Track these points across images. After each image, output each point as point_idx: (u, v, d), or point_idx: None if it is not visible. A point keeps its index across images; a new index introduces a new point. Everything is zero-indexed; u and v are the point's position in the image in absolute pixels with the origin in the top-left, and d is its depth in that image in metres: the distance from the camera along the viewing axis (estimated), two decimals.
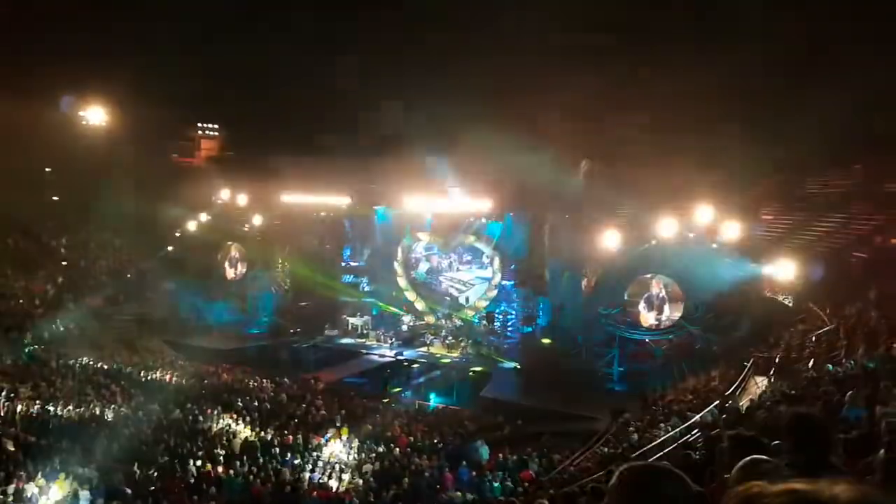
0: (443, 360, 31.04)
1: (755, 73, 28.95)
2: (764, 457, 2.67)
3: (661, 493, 1.55)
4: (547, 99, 31.77)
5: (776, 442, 3.54)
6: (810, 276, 22.28)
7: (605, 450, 16.52)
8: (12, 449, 15.03)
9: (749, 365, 19.21)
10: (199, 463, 15.72)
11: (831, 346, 16.65)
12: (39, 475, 13.44)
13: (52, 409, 18.56)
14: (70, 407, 19.07)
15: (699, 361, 25.19)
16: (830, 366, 13.64)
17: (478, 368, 29.97)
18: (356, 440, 18.76)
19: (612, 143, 30.56)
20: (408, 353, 31.70)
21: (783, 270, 22.76)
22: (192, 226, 37.91)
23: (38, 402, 19.00)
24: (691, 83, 25.98)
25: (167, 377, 24.47)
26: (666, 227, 25.65)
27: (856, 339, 15.77)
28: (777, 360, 18.30)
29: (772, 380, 16.79)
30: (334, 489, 14.73)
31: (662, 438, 14.05)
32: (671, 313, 26.28)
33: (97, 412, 18.89)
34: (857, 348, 14.77)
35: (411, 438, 19.48)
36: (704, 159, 26.61)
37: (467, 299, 35.02)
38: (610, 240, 26.64)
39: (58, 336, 28.45)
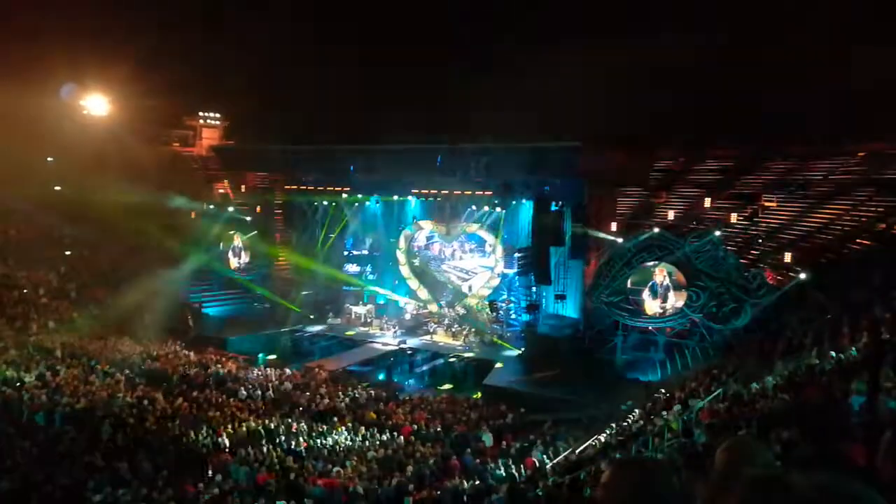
0: (446, 349, 31.10)
1: None
2: (748, 438, 2.67)
3: (654, 489, 1.55)
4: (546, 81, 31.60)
5: (775, 429, 3.55)
6: (812, 261, 22.29)
7: (608, 437, 16.58)
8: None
9: (751, 353, 19.23)
10: (204, 451, 15.84)
11: (835, 333, 16.65)
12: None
13: (57, 397, 18.65)
14: (75, 396, 19.16)
15: (701, 349, 25.29)
16: (833, 353, 13.65)
17: (480, 356, 30.01)
18: (360, 428, 18.87)
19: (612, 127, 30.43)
20: (411, 342, 31.76)
21: (786, 257, 22.77)
22: (194, 215, 37.90)
23: (43, 391, 19.10)
24: None
25: (171, 366, 24.56)
26: (669, 214, 25.66)
27: (859, 325, 15.77)
28: (780, 347, 18.31)
29: (775, 367, 16.81)
30: (338, 477, 14.81)
31: (664, 426, 14.07)
32: (675, 301, 26.27)
33: (101, 401, 18.96)
34: (860, 335, 14.77)
35: (415, 426, 19.57)
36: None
37: (470, 288, 35.06)
38: (613, 227, 26.64)
39: (62, 325, 28.57)
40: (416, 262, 36.46)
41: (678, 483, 1.57)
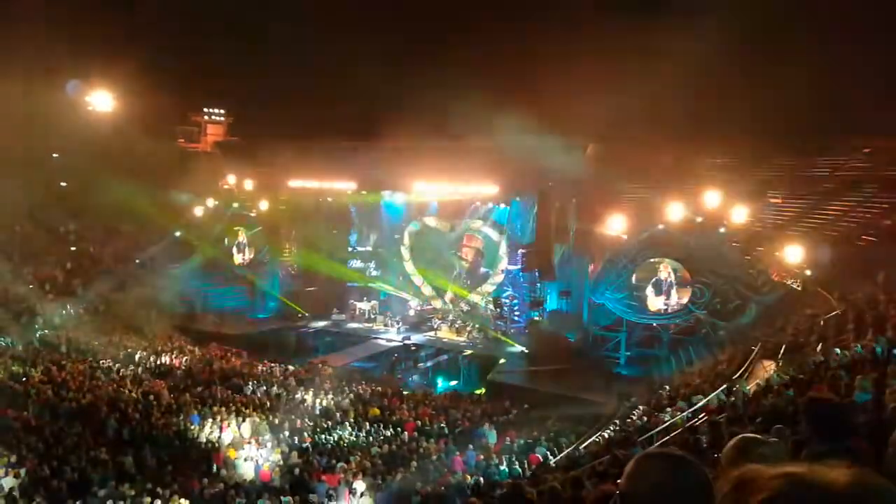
0: (450, 345, 31.11)
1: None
2: (757, 435, 2.64)
3: (678, 482, 1.54)
4: (551, 80, 31.52)
5: (779, 426, 3.52)
6: (818, 258, 22.17)
7: (612, 433, 16.57)
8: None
9: (757, 349, 19.18)
10: (209, 446, 15.89)
11: (839, 330, 16.60)
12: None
13: (63, 392, 18.73)
14: (81, 391, 19.24)
15: (706, 345, 25.23)
16: (838, 350, 13.59)
17: (484, 353, 30.02)
18: (364, 424, 18.90)
19: (616, 125, 30.25)
20: (415, 338, 31.78)
21: (791, 254, 22.63)
22: (198, 211, 37.96)
23: (49, 386, 19.18)
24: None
25: (177, 362, 24.64)
26: (673, 211, 25.55)
27: (864, 322, 15.72)
28: (785, 344, 18.26)
29: (779, 364, 16.77)
30: (342, 472, 14.84)
31: (668, 422, 14.06)
32: (679, 298, 26.21)
33: (107, 396, 19.03)
34: (865, 332, 14.72)
35: (419, 422, 19.59)
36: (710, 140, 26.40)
37: None
38: (617, 224, 26.58)
39: (67, 321, 28.66)
40: (421, 258, 36.48)
41: (702, 473, 1.56)
